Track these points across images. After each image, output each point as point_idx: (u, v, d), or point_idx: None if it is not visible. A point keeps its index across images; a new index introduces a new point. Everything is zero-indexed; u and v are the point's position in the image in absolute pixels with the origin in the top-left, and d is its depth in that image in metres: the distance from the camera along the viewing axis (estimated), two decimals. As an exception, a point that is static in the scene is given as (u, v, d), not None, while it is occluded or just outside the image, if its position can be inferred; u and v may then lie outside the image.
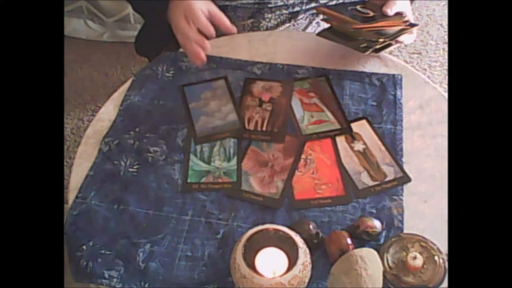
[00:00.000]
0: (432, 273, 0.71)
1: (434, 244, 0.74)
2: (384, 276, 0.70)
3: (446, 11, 2.19)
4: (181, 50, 1.00)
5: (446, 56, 2.00)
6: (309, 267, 0.69)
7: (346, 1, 1.13)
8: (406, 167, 0.85)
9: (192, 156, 0.88)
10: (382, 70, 1.01)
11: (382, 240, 0.76)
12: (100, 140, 0.90)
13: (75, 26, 2.11)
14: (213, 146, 0.89)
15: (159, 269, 0.75)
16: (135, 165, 0.86)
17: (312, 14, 1.16)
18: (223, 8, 1.11)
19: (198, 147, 0.89)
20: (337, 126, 0.91)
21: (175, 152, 0.88)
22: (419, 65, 1.99)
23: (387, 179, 0.84)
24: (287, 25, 1.13)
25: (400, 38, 0.97)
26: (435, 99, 0.95)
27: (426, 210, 0.80)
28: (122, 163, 0.87)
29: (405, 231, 0.77)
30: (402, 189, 0.83)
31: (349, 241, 0.73)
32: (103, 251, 0.76)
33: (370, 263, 0.68)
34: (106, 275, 0.74)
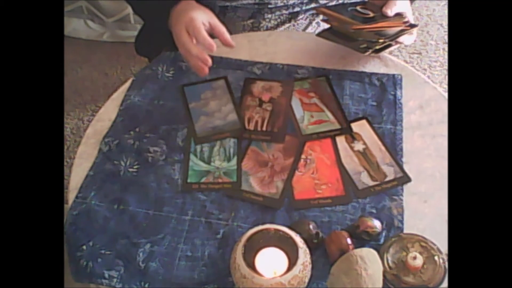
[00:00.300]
0: (432, 273, 0.71)
1: (434, 244, 0.74)
2: (384, 276, 0.70)
3: (446, 11, 2.19)
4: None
5: (446, 56, 2.00)
6: (309, 267, 0.69)
7: (346, 1, 1.13)
8: (406, 167, 0.85)
9: (192, 156, 0.88)
10: (382, 70, 1.01)
11: (382, 240, 0.76)
12: (100, 140, 0.90)
13: (75, 26, 2.11)
14: (213, 146, 0.89)
15: (159, 269, 0.75)
16: (135, 165, 0.87)
17: (312, 14, 1.16)
18: (223, 9, 1.11)
19: (198, 147, 0.89)
20: (337, 126, 0.91)
21: (175, 152, 0.88)
22: (419, 65, 1.99)
23: (387, 179, 0.84)
24: (287, 25, 1.13)
25: (400, 39, 0.97)
26: (435, 99, 0.95)
27: (426, 210, 0.80)
28: (122, 163, 0.87)
29: (405, 231, 0.77)
30: (402, 189, 0.83)
31: (349, 241, 0.73)
32: (103, 251, 0.76)
33: (370, 263, 0.68)
34: (106, 275, 0.74)
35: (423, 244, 0.74)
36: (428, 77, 1.88)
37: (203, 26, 0.90)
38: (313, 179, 0.84)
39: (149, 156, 0.87)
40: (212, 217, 0.80)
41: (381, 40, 0.93)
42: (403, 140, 0.89)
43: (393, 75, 0.99)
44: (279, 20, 1.13)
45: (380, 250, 0.73)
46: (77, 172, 0.86)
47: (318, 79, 0.99)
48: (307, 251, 0.70)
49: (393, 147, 0.88)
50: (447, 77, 1.93)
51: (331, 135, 0.90)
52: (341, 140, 0.90)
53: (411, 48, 2.03)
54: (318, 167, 0.86)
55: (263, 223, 0.73)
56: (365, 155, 0.87)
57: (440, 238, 0.74)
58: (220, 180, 0.84)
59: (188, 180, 0.84)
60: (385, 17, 0.98)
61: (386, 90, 0.97)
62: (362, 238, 0.76)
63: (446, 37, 2.08)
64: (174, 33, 0.92)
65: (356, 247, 0.72)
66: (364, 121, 0.92)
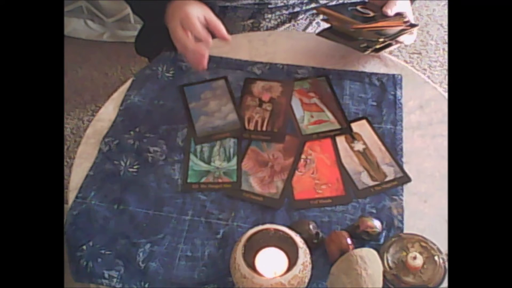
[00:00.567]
0: (432, 273, 0.71)
1: (434, 244, 0.74)
2: (384, 276, 0.70)
3: (446, 11, 2.19)
4: (181, 50, 1.00)
5: (446, 56, 2.00)
6: (309, 267, 0.69)
7: (346, 1, 1.13)
8: (406, 167, 0.85)
9: (192, 156, 0.88)
10: (382, 70, 1.01)
11: (382, 240, 0.76)
12: (100, 140, 0.90)
13: (75, 26, 2.11)
14: (213, 146, 0.89)
15: (159, 269, 0.75)
16: (135, 165, 0.87)
17: (312, 14, 1.16)
18: (223, 9, 1.11)
19: (198, 147, 0.89)
20: (337, 126, 0.91)
21: (175, 152, 0.88)
22: (419, 65, 1.99)
23: (387, 179, 0.84)
24: (287, 25, 1.13)
25: (401, 38, 0.97)
26: (435, 99, 0.95)
27: (426, 210, 0.80)
28: (122, 163, 0.87)
29: (405, 231, 0.77)
30: (402, 189, 0.83)
31: (349, 241, 0.73)
32: (103, 251, 0.76)
33: (370, 263, 0.68)
34: (106, 275, 0.74)
35: (423, 244, 0.74)
36: (428, 77, 1.88)
37: (198, 20, 0.90)
38: (313, 179, 0.84)
39: (149, 156, 0.87)
40: (212, 217, 0.80)
41: (381, 40, 0.93)
42: (403, 140, 0.89)
43: (393, 75, 0.99)
44: (279, 20, 1.13)
45: (380, 250, 0.73)
46: (77, 172, 0.86)
47: (318, 79, 0.99)
48: (307, 251, 0.70)
49: (393, 147, 0.88)
50: (447, 77, 1.93)
51: (331, 135, 0.90)
52: (341, 140, 0.90)
53: (411, 48, 2.03)
54: (318, 167, 0.86)
55: (263, 223, 0.73)
56: (365, 155, 0.87)
57: (440, 238, 0.74)
58: (220, 180, 0.84)
59: (188, 180, 0.84)
60: (385, 16, 0.98)
61: (386, 90, 0.97)
62: (362, 238, 0.76)
63: (446, 37, 2.09)
64: (170, 29, 0.92)
65: (356, 247, 0.72)
66: (364, 121, 0.92)
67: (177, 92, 0.98)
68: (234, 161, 0.87)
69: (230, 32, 0.93)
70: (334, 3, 1.14)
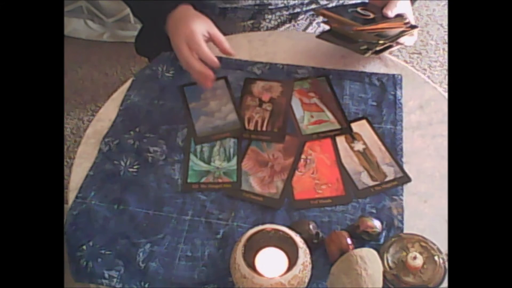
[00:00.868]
0: (432, 273, 0.71)
1: (434, 244, 0.74)
2: (384, 276, 0.70)
3: (446, 11, 2.19)
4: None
5: (446, 56, 2.00)
6: (309, 267, 0.69)
7: (346, 3, 1.13)
8: (406, 167, 0.85)
9: (192, 156, 0.88)
10: (382, 70, 1.01)
11: (382, 240, 0.76)
12: (100, 140, 0.90)
13: (75, 26, 2.11)
14: (213, 146, 0.89)
15: (159, 269, 0.75)
16: (135, 165, 0.87)
17: (313, 14, 1.16)
18: (223, 10, 1.11)
19: (198, 147, 0.89)
20: (337, 126, 0.91)
21: (175, 152, 0.88)
22: (419, 65, 1.99)
23: (387, 179, 0.84)
24: (287, 25, 1.13)
25: (401, 40, 0.97)
26: (435, 99, 0.95)
27: (426, 210, 0.80)
28: (122, 163, 0.87)
29: (405, 231, 0.77)
30: (402, 189, 0.83)
31: (349, 241, 0.73)
32: (103, 251, 0.76)
33: (370, 263, 0.68)
34: (106, 275, 0.74)
35: (423, 244, 0.74)
36: (428, 77, 1.88)
37: (204, 38, 0.89)
38: (313, 179, 0.84)
39: (149, 156, 0.87)
40: (212, 217, 0.80)
41: (381, 41, 0.93)
42: (403, 140, 0.89)
43: (393, 75, 0.99)
44: (279, 20, 1.13)
45: (380, 250, 0.73)
46: (77, 172, 0.86)
47: (318, 79, 0.99)
48: (307, 251, 0.70)
49: (393, 147, 0.88)
50: (447, 77, 1.93)
51: (331, 135, 0.90)
52: (341, 140, 0.90)
53: (411, 48, 2.03)
54: (318, 167, 0.86)
55: (263, 223, 0.73)
56: (365, 155, 0.87)
57: (440, 238, 0.74)
58: (220, 180, 0.84)
59: (188, 180, 0.84)
60: (385, 18, 0.98)
61: (386, 90, 0.97)
62: (362, 238, 0.76)
63: (446, 37, 2.09)
64: (174, 45, 0.92)
65: (356, 247, 0.72)
66: (364, 121, 0.92)
67: (177, 92, 0.98)
68: (234, 161, 0.87)
69: (230, 32, 0.93)
70: (334, 4, 1.14)
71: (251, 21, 1.12)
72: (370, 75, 0.99)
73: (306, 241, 0.71)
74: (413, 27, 0.98)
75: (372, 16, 0.98)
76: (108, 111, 0.95)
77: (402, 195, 0.82)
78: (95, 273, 0.74)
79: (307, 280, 0.69)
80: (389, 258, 0.73)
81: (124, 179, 0.85)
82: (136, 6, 1.06)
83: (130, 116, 0.94)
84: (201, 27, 0.91)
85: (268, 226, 0.71)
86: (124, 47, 2.05)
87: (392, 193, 0.82)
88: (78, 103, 1.90)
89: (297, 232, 0.72)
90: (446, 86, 1.88)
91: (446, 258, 0.72)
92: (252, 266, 0.68)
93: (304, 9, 1.13)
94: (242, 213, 0.80)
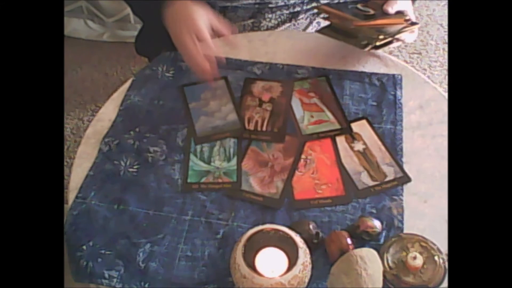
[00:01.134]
0: (432, 273, 0.71)
1: (434, 244, 0.74)
2: (384, 276, 0.70)
3: (446, 11, 2.19)
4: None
5: (446, 56, 2.00)
6: (309, 267, 0.69)
7: (347, 0, 1.13)
8: (406, 167, 0.85)
9: (192, 156, 0.88)
10: (382, 70, 1.01)
11: (382, 240, 0.76)
12: (100, 140, 0.90)
13: (75, 26, 2.11)
14: (213, 146, 0.89)
15: (159, 269, 0.75)
16: (135, 165, 0.86)
17: (313, 14, 1.16)
18: (223, 9, 1.11)
19: (198, 147, 0.89)
20: (337, 126, 0.91)
21: (175, 152, 0.88)
22: (419, 65, 1.99)
23: (387, 179, 0.84)
24: (287, 25, 1.13)
25: (401, 36, 0.97)
26: (435, 99, 0.95)
27: (426, 210, 0.80)
28: (122, 163, 0.87)
29: (405, 231, 0.77)
30: (402, 189, 0.83)
31: (349, 241, 0.73)
32: (103, 251, 0.76)
33: (370, 263, 0.68)
34: (106, 275, 0.74)
35: (423, 244, 0.74)
36: (428, 77, 1.88)
37: (207, 29, 0.88)
38: (313, 179, 0.84)
39: (149, 156, 0.87)
40: (212, 217, 0.80)
41: (381, 37, 0.93)
42: (403, 140, 0.89)
43: (393, 75, 0.99)
44: (279, 19, 1.13)
45: (380, 250, 0.73)
46: (77, 172, 0.86)
47: (318, 79, 0.99)
48: (307, 251, 0.70)
49: (393, 147, 0.88)
50: (447, 77, 1.93)
51: (331, 135, 0.90)
52: (341, 140, 0.90)
53: (411, 48, 2.03)
54: (318, 167, 0.86)
55: (263, 223, 0.73)
56: (365, 155, 0.87)
57: (440, 238, 0.74)
58: (220, 180, 0.84)
59: (188, 180, 0.84)
60: (386, 14, 0.98)
61: (386, 90, 0.97)
62: (362, 238, 0.76)
63: (446, 37, 2.09)
64: (175, 37, 0.90)
65: (356, 247, 0.72)
66: (364, 121, 0.92)
67: (177, 92, 0.98)
68: (234, 161, 0.87)
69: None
70: (335, 1, 1.13)
71: (251, 20, 1.12)
72: (370, 75, 0.99)
73: (306, 241, 0.71)
74: (413, 23, 0.98)
75: (372, 12, 0.99)
76: (108, 111, 0.95)
77: (402, 195, 0.82)
78: (95, 273, 0.74)
79: (307, 280, 0.69)
80: (389, 258, 0.73)
81: (124, 179, 0.85)
82: (136, 3, 1.06)
83: (130, 116, 0.94)
84: (203, 17, 0.90)
85: (268, 226, 0.71)
86: (124, 47, 2.05)
87: (392, 193, 0.82)
88: (78, 103, 1.90)
89: (297, 232, 0.72)
90: (446, 86, 1.88)
91: (446, 258, 0.72)
92: (252, 266, 0.68)
93: (305, 8, 1.13)
94: (242, 213, 0.80)
